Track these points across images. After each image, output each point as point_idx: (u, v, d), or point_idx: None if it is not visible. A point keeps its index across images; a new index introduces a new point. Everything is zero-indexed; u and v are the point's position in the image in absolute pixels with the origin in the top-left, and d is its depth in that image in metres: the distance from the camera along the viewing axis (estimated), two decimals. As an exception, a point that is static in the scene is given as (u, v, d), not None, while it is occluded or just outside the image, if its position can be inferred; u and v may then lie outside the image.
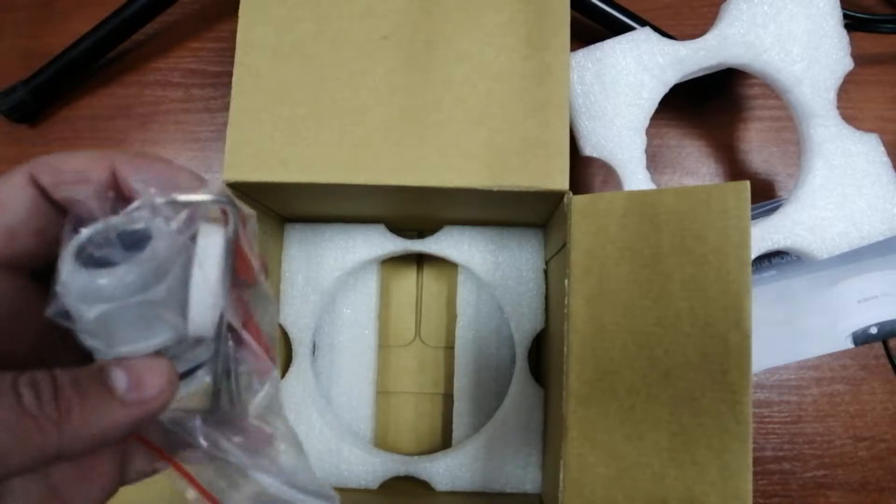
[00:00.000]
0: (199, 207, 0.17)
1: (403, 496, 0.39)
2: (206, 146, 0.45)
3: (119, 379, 0.15)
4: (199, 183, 0.18)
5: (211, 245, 0.17)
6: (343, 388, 0.41)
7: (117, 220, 0.16)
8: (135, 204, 0.17)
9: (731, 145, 0.44)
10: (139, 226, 0.16)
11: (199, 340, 0.17)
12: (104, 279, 0.15)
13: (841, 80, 0.35)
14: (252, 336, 0.18)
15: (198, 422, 0.18)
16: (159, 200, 0.17)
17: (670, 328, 0.27)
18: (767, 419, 0.41)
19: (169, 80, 0.46)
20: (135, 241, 0.16)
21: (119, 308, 0.16)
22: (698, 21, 0.44)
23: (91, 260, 0.16)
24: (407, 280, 0.44)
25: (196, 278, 0.17)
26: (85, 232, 0.16)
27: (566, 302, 0.29)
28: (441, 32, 0.32)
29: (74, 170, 0.17)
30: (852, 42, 0.35)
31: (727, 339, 0.26)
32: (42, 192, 0.16)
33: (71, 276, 0.15)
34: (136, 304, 0.16)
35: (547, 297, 0.40)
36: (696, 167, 0.44)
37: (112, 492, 0.19)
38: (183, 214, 0.17)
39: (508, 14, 0.32)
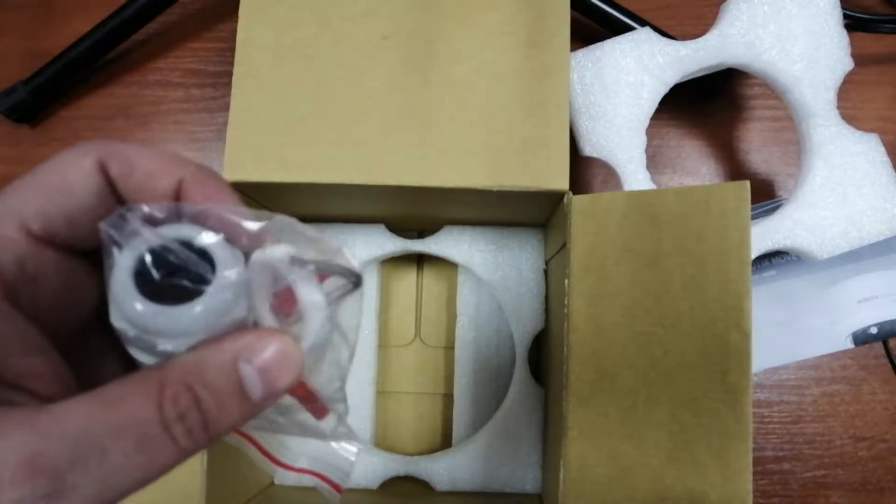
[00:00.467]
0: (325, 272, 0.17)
1: (403, 496, 0.39)
2: (206, 146, 0.45)
3: (254, 386, 0.15)
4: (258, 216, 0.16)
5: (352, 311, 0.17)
6: (343, 388, 0.41)
7: (181, 239, 0.15)
8: (279, 253, 0.15)
9: (731, 145, 0.44)
10: (197, 245, 0.15)
11: None
12: (187, 315, 0.14)
13: (841, 80, 0.35)
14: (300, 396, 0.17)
15: None
16: (301, 259, 0.15)
17: (670, 328, 0.27)
18: (767, 419, 0.41)
19: (169, 80, 0.46)
20: (193, 264, 0.15)
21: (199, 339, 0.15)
22: (698, 21, 0.44)
23: (151, 284, 0.14)
24: (407, 280, 0.44)
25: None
26: (147, 256, 0.14)
27: (566, 302, 0.29)
28: (441, 32, 0.32)
29: (147, 171, 0.16)
30: (852, 42, 0.35)
31: (727, 339, 0.26)
32: (109, 182, 0.16)
33: (140, 312, 0.14)
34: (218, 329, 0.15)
35: (547, 297, 0.40)
36: (696, 167, 0.44)
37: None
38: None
39: (508, 14, 0.32)
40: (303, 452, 0.20)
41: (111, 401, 0.14)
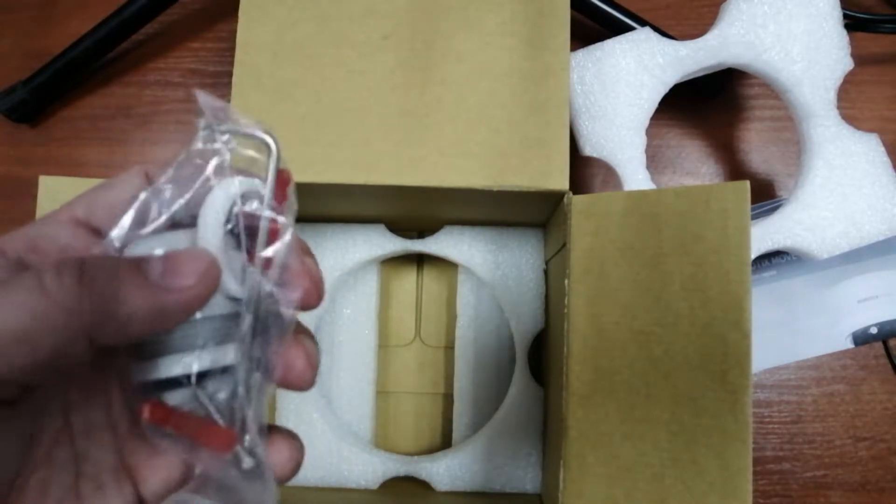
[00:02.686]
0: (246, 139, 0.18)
1: (403, 496, 0.39)
2: (206, 146, 0.45)
3: (154, 265, 0.15)
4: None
5: (219, 196, 0.17)
6: (343, 388, 0.41)
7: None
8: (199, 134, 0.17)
9: (731, 145, 0.44)
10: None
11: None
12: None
13: (841, 80, 0.35)
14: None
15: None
16: (221, 127, 0.17)
17: (670, 328, 0.27)
18: (767, 419, 0.41)
19: (169, 80, 0.46)
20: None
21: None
22: (698, 21, 0.44)
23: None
24: (407, 280, 0.44)
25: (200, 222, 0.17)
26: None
27: (566, 302, 0.29)
28: (441, 32, 0.32)
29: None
30: (852, 42, 0.35)
31: (727, 339, 0.26)
32: (149, 181, 0.18)
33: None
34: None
35: (547, 297, 0.40)
36: (696, 167, 0.44)
37: (182, 478, 0.18)
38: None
39: (508, 14, 0.32)
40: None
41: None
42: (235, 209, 0.17)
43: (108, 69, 0.46)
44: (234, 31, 0.32)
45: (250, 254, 0.17)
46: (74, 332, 0.14)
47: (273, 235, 0.17)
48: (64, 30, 0.45)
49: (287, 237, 0.17)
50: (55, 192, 0.30)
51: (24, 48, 0.46)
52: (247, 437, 0.17)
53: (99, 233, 0.17)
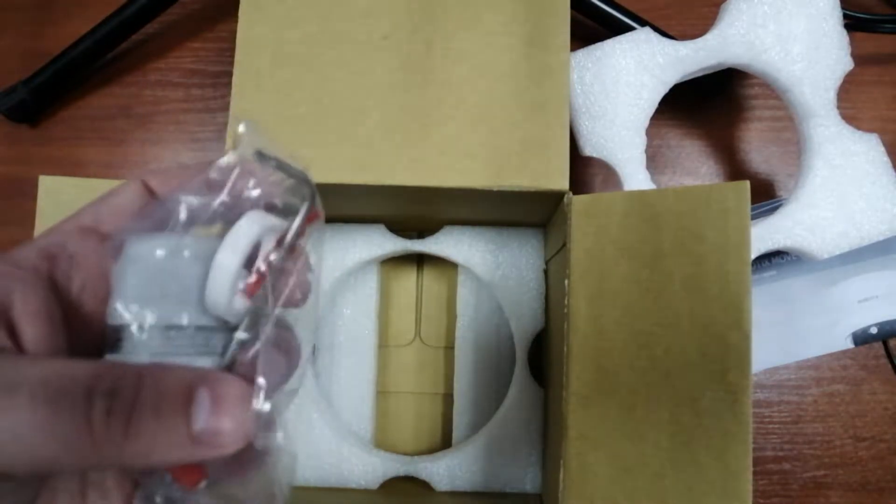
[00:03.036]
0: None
1: (403, 496, 0.39)
2: (206, 146, 0.45)
3: (201, 409, 0.14)
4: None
5: (246, 226, 0.17)
6: (343, 388, 0.41)
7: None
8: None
9: (731, 145, 0.44)
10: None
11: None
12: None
13: (841, 80, 0.35)
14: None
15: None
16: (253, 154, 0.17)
17: (670, 328, 0.27)
18: (767, 419, 0.41)
19: (169, 80, 0.46)
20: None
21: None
22: (698, 21, 0.44)
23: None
24: (407, 280, 0.44)
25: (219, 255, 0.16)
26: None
27: (566, 302, 0.29)
28: (441, 32, 0.32)
29: (178, 181, 0.19)
30: (852, 42, 0.35)
31: (727, 339, 0.26)
32: (150, 190, 0.19)
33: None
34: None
35: (547, 297, 0.40)
36: (696, 167, 0.44)
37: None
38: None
39: (508, 14, 0.32)
40: None
41: (58, 359, 0.14)
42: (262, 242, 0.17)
43: (108, 69, 0.46)
44: (234, 31, 0.32)
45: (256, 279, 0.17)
46: (97, 466, 0.14)
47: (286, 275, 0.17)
48: (64, 30, 0.45)
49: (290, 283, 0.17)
50: (55, 192, 0.30)
51: (24, 48, 0.46)
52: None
53: (108, 238, 0.17)
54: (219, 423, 0.14)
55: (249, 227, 0.17)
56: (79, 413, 0.13)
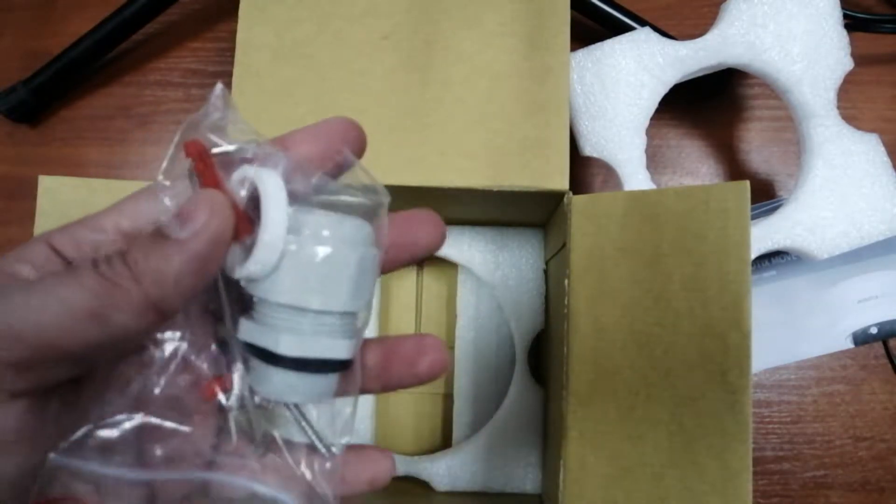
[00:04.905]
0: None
1: (403, 496, 0.39)
2: (206, 146, 0.45)
3: (171, 224, 0.16)
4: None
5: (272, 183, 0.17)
6: (343, 388, 0.41)
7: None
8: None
9: (731, 145, 0.44)
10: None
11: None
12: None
13: (841, 80, 0.35)
14: None
15: None
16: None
17: (670, 328, 0.27)
18: (767, 419, 0.41)
19: (169, 80, 0.46)
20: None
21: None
22: (698, 21, 0.44)
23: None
24: (407, 280, 0.44)
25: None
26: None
27: (566, 302, 0.29)
28: (441, 32, 0.32)
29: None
30: (852, 42, 0.35)
31: (727, 339, 0.26)
32: None
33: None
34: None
35: (547, 297, 0.40)
36: (696, 167, 0.44)
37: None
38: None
39: (508, 14, 0.32)
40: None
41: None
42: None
43: (108, 69, 0.46)
44: (234, 31, 0.32)
45: None
46: (136, 305, 0.15)
47: None
48: (64, 30, 0.45)
49: None
50: (55, 192, 0.30)
51: (24, 48, 0.46)
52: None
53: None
54: (187, 217, 0.16)
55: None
56: (91, 273, 0.16)
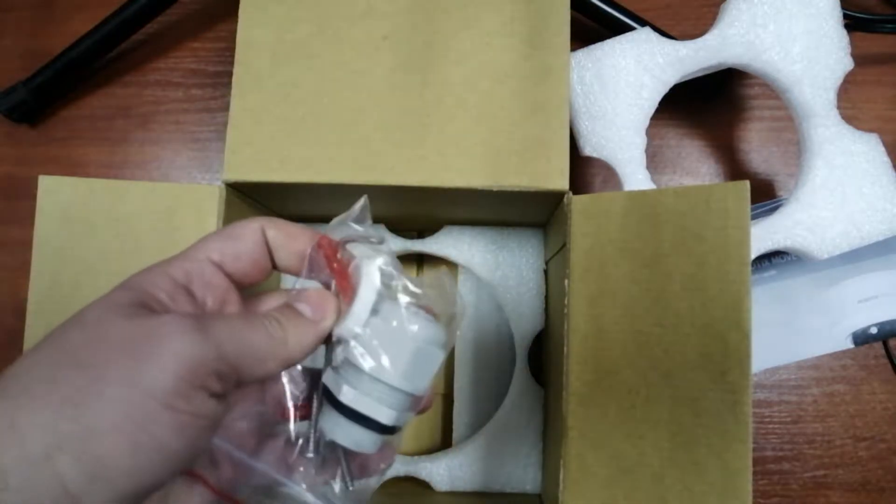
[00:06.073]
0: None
1: (403, 496, 0.39)
2: (206, 146, 0.45)
3: (305, 308, 0.22)
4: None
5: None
6: (343, 388, 0.41)
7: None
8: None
9: (731, 145, 0.44)
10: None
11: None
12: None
13: (841, 80, 0.35)
14: None
15: None
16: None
17: (670, 328, 0.27)
18: (767, 419, 0.41)
19: (169, 80, 0.46)
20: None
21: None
22: (698, 21, 0.44)
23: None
24: (407, 280, 0.44)
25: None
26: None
27: (566, 302, 0.29)
28: (441, 32, 0.32)
29: (291, 233, 0.23)
30: (852, 42, 0.35)
31: (727, 339, 0.26)
32: (265, 238, 0.23)
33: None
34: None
35: (547, 297, 0.40)
36: (696, 167, 0.44)
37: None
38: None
39: (508, 14, 0.32)
40: None
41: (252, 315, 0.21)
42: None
43: (108, 69, 0.46)
44: (234, 31, 0.32)
45: None
46: (284, 359, 0.21)
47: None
48: (64, 30, 0.45)
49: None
50: (55, 192, 0.30)
51: (24, 48, 0.46)
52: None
53: (230, 278, 0.23)
54: (318, 306, 0.22)
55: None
56: (265, 330, 0.21)
